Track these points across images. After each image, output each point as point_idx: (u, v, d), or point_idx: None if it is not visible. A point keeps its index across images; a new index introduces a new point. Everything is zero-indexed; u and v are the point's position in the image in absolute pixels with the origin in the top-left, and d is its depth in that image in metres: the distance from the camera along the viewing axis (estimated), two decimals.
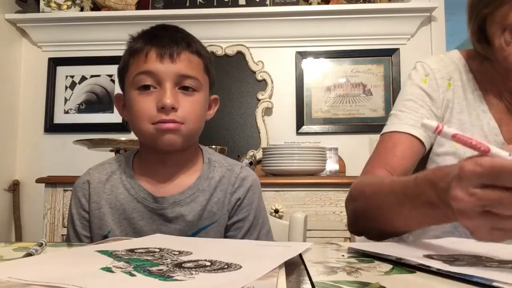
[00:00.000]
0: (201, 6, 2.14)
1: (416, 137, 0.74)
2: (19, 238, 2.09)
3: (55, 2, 2.21)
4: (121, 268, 0.41)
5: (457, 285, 0.37)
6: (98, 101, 2.19)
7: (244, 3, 2.13)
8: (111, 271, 0.40)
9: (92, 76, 2.20)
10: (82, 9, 2.22)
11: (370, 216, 0.65)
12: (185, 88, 0.75)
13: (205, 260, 0.45)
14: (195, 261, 0.45)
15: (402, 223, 0.58)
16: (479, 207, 0.40)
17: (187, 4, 2.15)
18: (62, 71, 2.21)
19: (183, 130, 0.74)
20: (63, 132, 2.17)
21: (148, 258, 0.46)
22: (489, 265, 0.43)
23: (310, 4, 2.10)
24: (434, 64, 0.81)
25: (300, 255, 0.51)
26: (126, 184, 0.79)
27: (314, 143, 1.87)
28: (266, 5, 2.10)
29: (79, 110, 2.19)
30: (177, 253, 0.49)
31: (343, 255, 0.51)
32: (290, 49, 2.15)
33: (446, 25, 2.11)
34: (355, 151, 2.00)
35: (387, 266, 0.44)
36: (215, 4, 2.14)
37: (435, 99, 0.78)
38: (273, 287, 0.35)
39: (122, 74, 0.80)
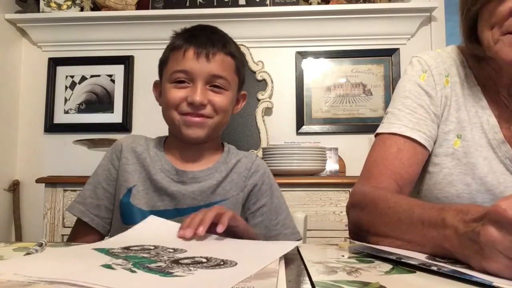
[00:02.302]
0: (201, 6, 2.14)
1: (419, 142, 0.72)
2: (19, 238, 2.09)
3: (55, 2, 2.20)
4: (121, 265, 0.41)
5: (457, 285, 0.37)
6: (98, 101, 2.19)
7: (244, 3, 2.12)
8: (112, 268, 0.40)
9: (92, 76, 2.20)
10: (82, 9, 2.22)
11: (377, 232, 0.60)
12: (215, 86, 0.82)
13: (201, 257, 0.45)
14: (191, 257, 0.45)
15: (411, 246, 0.53)
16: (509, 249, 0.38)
17: (187, 4, 2.15)
18: (62, 71, 2.21)
19: (209, 123, 0.81)
20: (63, 132, 2.17)
21: (144, 255, 0.46)
22: None
23: (310, 4, 2.10)
24: (431, 60, 0.79)
25: (300, 255, 0.51)
26: (154, 156, 0.86)
27: (314, 143, 1.87)
28: (266, 5, 2.10)
29: (79, 110, 2.19)
30: (172, 250, 0.49)
31: (343, 255, 0.51)
32: (290, 49, 2.15)
33: (446, 25, 2.11)
34: (355, 151, 2.00)
35: (387, 266, 0.44)
36: (215, 4, 2.14)
37: (433, 96, 0.76)
38: (273, 287, 0.35)
39: (161, 66, 0.88)
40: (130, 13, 2.13)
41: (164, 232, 0.59)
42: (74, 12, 2.19)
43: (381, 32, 2.09)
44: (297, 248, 0.56)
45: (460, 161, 0.74)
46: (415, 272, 0.42)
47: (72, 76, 2.21)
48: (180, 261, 0.44)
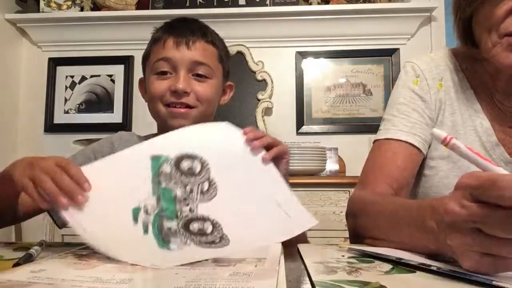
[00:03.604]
0: (201, 6, 2.14)
1: (414, 146, 0.73)
2: (19, 238, 2.09)
3: (55, 2, 2.21)
4: (146, 214, 0.50)
5: (457, 285, 0.37)
6: (98, 101, 2.19)
7: (244, 3, 2.12)
8: (136, 220, 0.49)
9: (92, 76, 2.20)
10: (82, 9, 2.22)
11: (371, 236, 0.62)
12: (198, 75, 0.81)
13: (211, 223, 0.50)
14: (202, 220, 0.50)
15: (404, 246, 0.53)
16: (469, 223, 0.37)
17: (187, 4, 2.15)
18: (62, 71, 2.21)
19: (194, 113, 0.80)
20: (63, 132, 2.17)
21: (178, 193, 0.51)
22: None
23: (310, 4, 2.10)
24: (424, 65, 0.79)
25: (300, 255, 0.51)
26: None
27: (314, 143, 1.87)
28: (266, 5, 2.10)
29: (79, 110, 2.19)
30: (204, 191, 0.52)
31: (343, 255, 0.51)
32: (290, 49, 2.15)
33: (446, 25, 2.11)
34: (355, 151, 2.00)
35: (387, 266, 0.44)
36: (215, 4, 2.14)
37: (427, 100, 0.76)
38: (273, 287, 0.35)
39: (144, 62, 0.88)
40: (130, 13, 2.13)
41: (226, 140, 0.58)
42: (74, 12, 2.19)
43: (381, 32, 2.09)
44: (297, 248, 0.56)
45: (455, 164, 0.74)
46: (415, 272, 0.42)
47: (72, 76, 2.21)
48: (190, 225, 0.50)
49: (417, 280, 0.40)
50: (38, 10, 2.20)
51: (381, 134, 0.77)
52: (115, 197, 0.51)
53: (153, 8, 2.17)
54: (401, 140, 0.73)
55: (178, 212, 0.51)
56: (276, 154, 0.59)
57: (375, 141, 0.79)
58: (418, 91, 0.77)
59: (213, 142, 0.56)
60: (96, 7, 2.21)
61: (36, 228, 1.95)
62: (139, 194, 0.51)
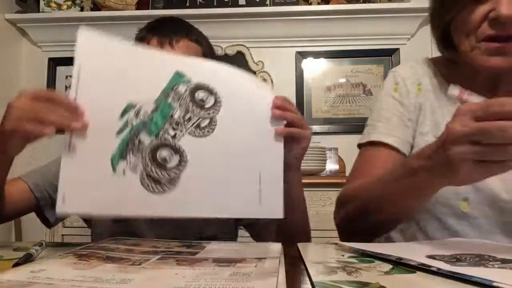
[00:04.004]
0: (201, 6, 2.14)
1: (393, 147, 0.77)
2: (19, 238, 2.09)
3: (55, 2, 2.21)
4: (136, 115, 0.49)
5: (457, 285, 0.37)
6: None
7: (244, 3, 2.13)
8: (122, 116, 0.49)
9: None
10: (82, 9, 2.22)
11: (366, 211, 0.68)
12: None
13: (179, 158, 0.50)
14: (175, 151, 0.50)
15: (396, 205, 0.64)
16: (470, 136, 0.46)
17: (187, 4, 2.15)
18: (62, 71, 2.21)
19: None
20: (63, 132, 2.16)
21: (176, 115, 0.51)
22: (490, 265, 0.43)
23: (310, 4, 2.10)
24: (404, 72, 0.84)
25: (300, 255, 0.51)
26: None
27: (314, 143, 1.87)
28: (266, 5, 2.10)
29: None
30: (201, 127, 0.51)
31: (343, 255, 0.51)
32: (290, 49, 2.15)
33: None
34: (355, 151, 1.99)
35: (387, 266, 0.45)
36: (215, 4, 2.14)
37: (406, 104, 0.80)
38: (273, 287, 0.35)
39: None
40: (130, 13, 2.13)
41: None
42: (74, 12, 2.19)
43: (381, 32, 2.09)
44: (297, 248, 0.56)
45: None
46: (415, 272, 0.42)
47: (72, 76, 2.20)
48: (158, 151, 0.49)
49: (417, 280, 0.40)
50: (38, 10, 2.20)
51: (363, 139, 0.82)
52: (118, 87, 0.50)
53: (153, 8, 2.17)
54: (381, 142, 0.78)
55: (161, 132, 0.50)
56: (292, 134, 0.57)
57: (358, 145, 0.84)
58: (397, 97, 0.82)
59: (240, 89, 0.54)
60: (96, 7, 2.21)
61: (36, 228, 1.95)
62: (143, 94, 0.50)
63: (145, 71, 0.52)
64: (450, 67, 0.82)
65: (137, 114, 0.49)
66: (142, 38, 0.83)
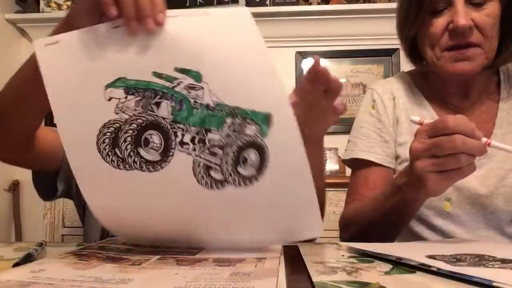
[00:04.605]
0: (201, 6, 2.14)
1: (373, 162, 0.83)
2: (19, 238, 2.09)
3: (55, 2, 2.21)
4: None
5: (457, 285, 0.37)
6: None
7: (244, 3, 2.12)
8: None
9: None
10: None
11: (368, 233, 0.72)
12: None
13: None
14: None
15: (392, 222, 0.70)
16: (427, 151, 0.55)
17: (187, 4, 2.15)
18: None
19: None
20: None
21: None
22: (490, 265, 0.43)
23: (310, 4, 2.10)
24: (380, 88, 0.90)
25: (300, 255, 0.51)
26: None
27: None
28: (266, 5, 2.10)
29: None
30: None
31: (343, 255, 0.51)
32: (290, 49, 2.15)
33: None
34: None
35: (387, 266, 0.45)
36: (215, 4, 2.14)
37: (383, 121, 0.86)
38: (273, 287, 0.35)
39: None
40: None
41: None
42: None
43: (381, 32, 2.09)
44: (298, 248, 0.56)
45: None
46: (415, 272, 0.42)
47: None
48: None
49: (417, 280, 0.40)
50: (38, 10, 2.20)
51: (346, 155, 0.89)
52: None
53: None
54: (361, 159, 0.84)
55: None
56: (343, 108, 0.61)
57: (343, 160, 0.91)
58: (375, 114, 0.88)
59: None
60: None
61: (36, 228, 1.95)
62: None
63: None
64: (424, 79, 0.88)
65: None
66: None
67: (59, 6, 2.21)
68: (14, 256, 0.50)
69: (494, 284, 0.36)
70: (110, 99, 0.45)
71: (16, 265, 0.44)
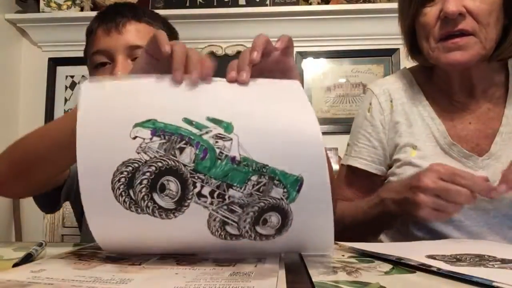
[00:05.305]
0: (201, 6, 2.14)
1: (358, 168, 0.86)
2: (19, 238, 2.09)
3: (55, 2, 2.20)
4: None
5: (457, 285, 0.37)
6: None
7: (244, 3, 2.12)
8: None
9: None
10: (82, 9, 2.22)
11: (352, 232, 0.78)
12: None
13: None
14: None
15: (372, 227, 0.79)
16: (435, 191, 0.61)
17: (187, 4, 2.15)
18: (62, 71, 2.21)
19: None
20: None
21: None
22: (490, 265, 0.43)
23: (310, 4, 2.10)
24: (378, 90, 0.88)
25: (300, 255, 0.51)
26: None
27: None
28: (266, 5, 2.10)
29: None
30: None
31: (343, 255, 0.51)
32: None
33: None
34: None
35: (387, 266, 0.45)
36: (215, 4, 2.14)
37: (376, 125, 0.86)
38: (273, 287, 0.35)
39: (85, 59, 0.83)
40: None
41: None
42: (74, 12, 2.19)
43: (381, 32, 2.09)
44: None
45: (420, 168, 0.77)
46: (415, 272, 0.42)
47: (72, 76, 2.21)
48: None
49: (417, 280, 0.40)
50: (38, 10, 2.20)
51: (345, 160, 0.91)
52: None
53: (153, 8, 2.16)
54: (348, 165, 0.88)
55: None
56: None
57: (341, 165, 0.93)
58: (369, 118, 0.87)
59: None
60: (96, 7, 2.21)
61: (36, 228, 1.95)
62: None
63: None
64: (427, 75, 0.85)
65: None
66: (90, 30, 0.78)
67: (59, 6, 2.20)
68: (14, 256, 0.50)
69: (494, 284, 0.36)
70: (135, 137, 0.42)
71: (16, 265, 0.44)
